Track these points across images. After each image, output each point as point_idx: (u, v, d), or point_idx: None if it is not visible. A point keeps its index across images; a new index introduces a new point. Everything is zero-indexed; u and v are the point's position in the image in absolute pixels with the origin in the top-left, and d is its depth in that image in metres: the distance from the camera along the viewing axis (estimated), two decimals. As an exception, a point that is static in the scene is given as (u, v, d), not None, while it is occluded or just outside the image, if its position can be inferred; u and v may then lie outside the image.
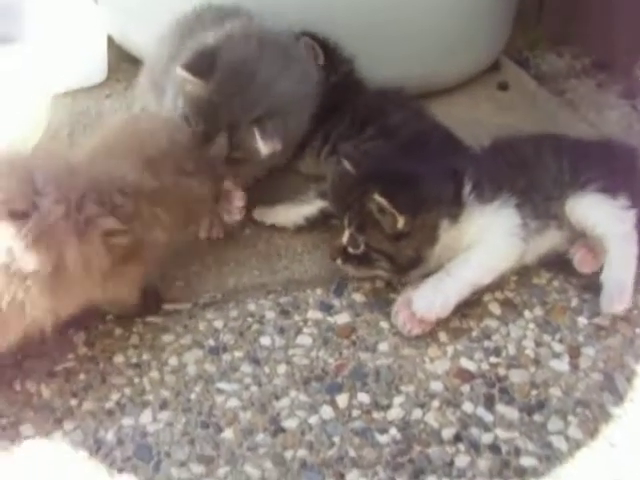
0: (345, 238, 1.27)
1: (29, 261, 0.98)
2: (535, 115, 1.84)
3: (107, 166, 1.09)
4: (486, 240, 1.26)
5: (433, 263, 1.27)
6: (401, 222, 1.21)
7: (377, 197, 1.19)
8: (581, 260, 1.34)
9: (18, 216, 0.98)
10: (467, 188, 1.27)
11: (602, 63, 2.19)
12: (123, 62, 1.90)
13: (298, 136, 1.41)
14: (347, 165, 1.29)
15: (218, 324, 1.23)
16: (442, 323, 1.24)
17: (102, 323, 1.22)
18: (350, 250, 1.26)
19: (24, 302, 0.99)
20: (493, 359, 1.21)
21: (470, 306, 1.27)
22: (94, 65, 1.83)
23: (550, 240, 1.34)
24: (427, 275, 1.28)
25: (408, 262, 1.25)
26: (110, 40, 1.86)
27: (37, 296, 1.00)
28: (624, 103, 1.98)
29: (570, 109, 1.93)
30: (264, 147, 1.27)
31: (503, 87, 1.93)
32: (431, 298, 1.20)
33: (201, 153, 1.20)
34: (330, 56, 1.49)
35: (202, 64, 1.29)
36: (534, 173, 1.33)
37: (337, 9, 1.60)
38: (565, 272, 1.38)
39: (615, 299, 1.24)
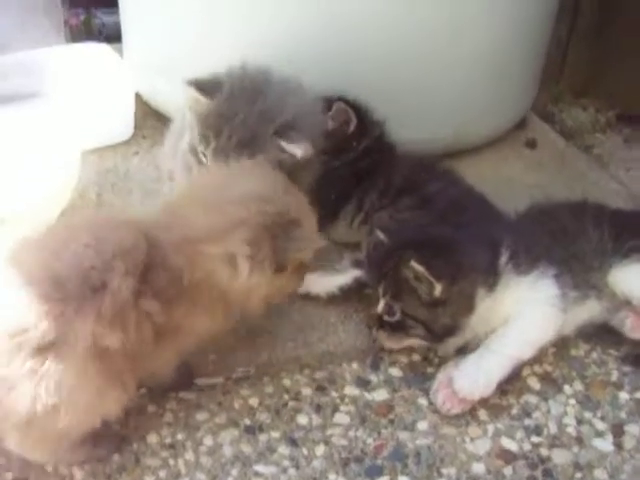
0: (380, 307, 1.25)
1: (112, 339, 0.94)
2: (565, 174, 1.82)
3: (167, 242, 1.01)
4: (524, 313, 1.24)
5: (469, 333, 1.25)
6: (438, 289, 1.19)
7: (414, 264, 1.18)
8: (633, 326, 1.32)
9: (97, 291, 0.93)
10: (504, 258, 1.25)
11: (627, 116, 2.18)
12: (150, 118, 1.89)
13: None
14: (380, 235, 1.28)
15: (253, 401, 1.20)
16: (481, 400, 1.21)
17: (134, 399, 1.19)
18: (386, 318, 1.24)
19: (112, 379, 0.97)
20: (535, 438, 1.18)
21: (509, 381, 1.24)
22: (121, 122, 1.82)
23: (589, 311, 1.32)
24: (463, 346, 1.26)
25: (444, 330, 1.23)
26: (136, 96, 1.85)
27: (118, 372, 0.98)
28: (652, 160, 1.97)
29: (599, 167, 1.92)
30: (298, 149, 1.25)
31: (531, 145, 1.92)
32: (473, 377, 1.17)
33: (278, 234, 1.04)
34: (362, 120, 1.48)
35: (207, 82, 1.29)
36: (574, 243, 1.31)
37: (365, 72, 1.60)
38: (603, 343, 1.36)
39: None
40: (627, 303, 1.30)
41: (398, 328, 1.24)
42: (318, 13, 1.57)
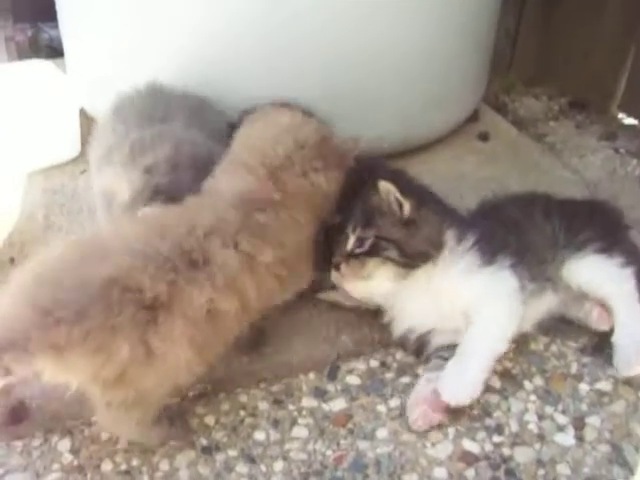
0: (351, 242, 1.23)
1: (227, 304, 1.05)
2: (519, 165, 1.82)
3: (236, 185, 1.14)
4: (489, 307, 1.22)
5: (427, 325, 1.26)
6: (407, 207, 1.22)
7: (383, 183, 1.21)
8: (599, 318, 1.31)
9: (203, 264, 1.04)
10: (470, 240, 1.25)
11: (579, 103, 2.18)
12: (96, 134, 1.85)
13: None
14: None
15: (209, 420, 1.18)
16: (441, 402, 1.19)
17: (87, 426, 1.16)
18: (357, 251, 1.23)
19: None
20: (496, 438, 1.17)
21: (469, 381, 1.23)
22: (67, 140, 1.78)
23: (547, 303, 1.31)
24: (420, 348, 1.26)
25: (417, 254, 1.23)
26: (83, 112, 1.81)
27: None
28: (605, 145, 1.97)
29: (552, 155, 1.91)
30: None
31: (484, 137, 1.91)
32: (461, 383, 1.16)
33: (330, 147, 1.20)
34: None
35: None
36: (526, 236, 1.30)
37: (309, 71, 1.58)
38: (562, 335, 1.35)
39: (633, 360, 1.23)
40: (583, 296, 1.30)
41: (371, 253, 1.23)
42: (258, 20, 1.54)
